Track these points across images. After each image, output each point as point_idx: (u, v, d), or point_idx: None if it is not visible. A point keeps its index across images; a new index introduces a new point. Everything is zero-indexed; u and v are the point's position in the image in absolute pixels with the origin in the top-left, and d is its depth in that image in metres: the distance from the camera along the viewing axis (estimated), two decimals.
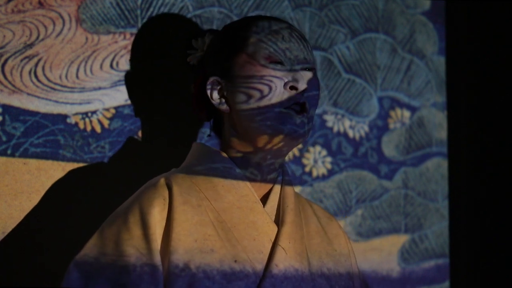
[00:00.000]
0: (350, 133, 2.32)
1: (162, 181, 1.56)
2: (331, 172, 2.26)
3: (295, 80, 1.56)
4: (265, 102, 1.55)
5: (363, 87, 2.35)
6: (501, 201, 2.48)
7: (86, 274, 1.49)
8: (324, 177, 2.25)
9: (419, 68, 2.49)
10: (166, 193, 1.54)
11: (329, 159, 2.26)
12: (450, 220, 2.53)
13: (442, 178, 2.53)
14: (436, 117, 2.53)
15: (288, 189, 1.64)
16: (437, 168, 2.52)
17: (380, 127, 2.39)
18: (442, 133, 2.54)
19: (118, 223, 1.52)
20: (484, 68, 2.53)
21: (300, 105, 1.56)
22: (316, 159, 2.24)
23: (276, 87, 1.55)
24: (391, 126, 2.42)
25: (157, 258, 1.48)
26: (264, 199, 1.62)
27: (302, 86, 1.56)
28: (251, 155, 1.60)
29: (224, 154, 1.61)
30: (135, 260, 1.48)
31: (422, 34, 2.50)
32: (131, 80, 1.89)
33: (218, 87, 1.60)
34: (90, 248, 1.52)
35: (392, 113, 2.42)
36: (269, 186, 1.63)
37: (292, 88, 1.56)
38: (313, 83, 1.59)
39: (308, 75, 1.59)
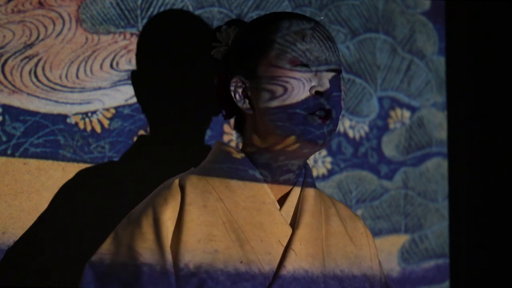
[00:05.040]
0: (350, 133, 2.32)
1: (176, 182, 1.56)
2: (331, 172, 2.26)
3: (321, 85, 1.55)
4: (288, 103, 1.54)
5: (363, 87, 2.35)
6: (501, 201, 2.48)
7: (100, 277, 1.50)
8: (324, 177, 2.25)
9: (419, 68, 2.49)
10: (178, 195, 1.54)
11: (329, 159, 2.26)
12: (450, 220, 2.53)
13: (442, 178, 2.53)
14: (436, 117, 2.53)
15: (309, 191, 1.63)
16: (437, 168, 2.52)
17: (380, 127, 2.39)
18: (442, 133, 2.54)
19: (132, 226, 1.53)
20: (484, 68, 2.53)
21: (325, 111, 1.56)
22: (316, 159, 2.24)
23: (300, 88, 1.54)
24: (391, 126, 2.42)
25: (169, 262, 1.49)
26: (282, 201, 1.61)
27: (327, 91, 1.56)
28: (268, 155, 1.60)
29: (240, 155, 1.61)
30: (147, 264, 1.48)
31: (422, 34, 2.50)
32: (132, 80, 1.88)
33: (242, 87, 1.59)
34: (104, 251, 1.53)
35: (392, 113, 2.42)
36: (288, 188, 1.62)
37: (317, 93, 1.55)
38: (338, 85, 1.58)
39: (334, 77, 1.57)
